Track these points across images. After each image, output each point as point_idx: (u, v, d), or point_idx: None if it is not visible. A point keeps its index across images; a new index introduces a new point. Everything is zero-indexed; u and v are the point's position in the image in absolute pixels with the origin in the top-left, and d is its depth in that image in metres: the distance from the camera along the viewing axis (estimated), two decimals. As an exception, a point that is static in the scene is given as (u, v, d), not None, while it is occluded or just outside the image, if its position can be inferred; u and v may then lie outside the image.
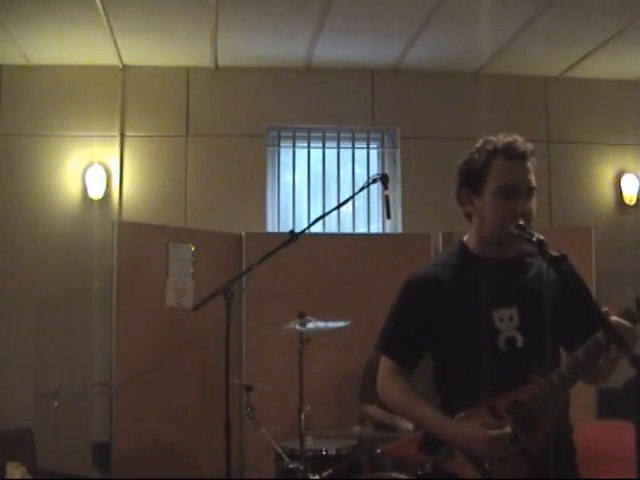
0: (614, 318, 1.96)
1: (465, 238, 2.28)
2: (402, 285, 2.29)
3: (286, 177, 5.93)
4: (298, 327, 3.93)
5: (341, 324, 4.08)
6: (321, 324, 3.99)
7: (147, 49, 5.42)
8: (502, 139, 2.16)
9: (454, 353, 2.19)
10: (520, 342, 2.13)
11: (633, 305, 1.95)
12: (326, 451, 3.98)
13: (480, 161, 2.16)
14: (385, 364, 2.30)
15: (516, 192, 2.12)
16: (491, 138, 2.18)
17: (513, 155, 2.13)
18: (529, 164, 2.15)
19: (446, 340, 2.20)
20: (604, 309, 1.96)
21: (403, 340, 2.27)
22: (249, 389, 4.24)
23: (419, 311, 2.24)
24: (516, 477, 2.03)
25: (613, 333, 1.88)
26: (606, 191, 6.00)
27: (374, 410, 4.21)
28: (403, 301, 2.28)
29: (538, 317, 1.99)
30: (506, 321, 2.14)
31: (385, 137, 6.04)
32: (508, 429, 2.02)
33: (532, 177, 2.15)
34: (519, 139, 2.17)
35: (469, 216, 2.25)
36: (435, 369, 2.28)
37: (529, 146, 2.17)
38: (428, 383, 2.32)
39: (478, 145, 2.20)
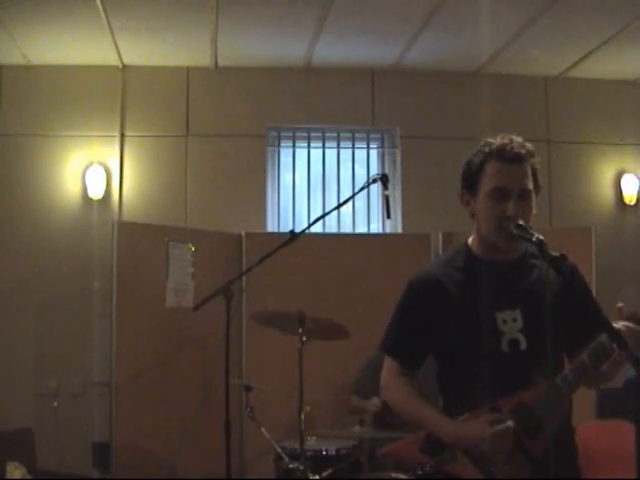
0: (622, 323, 1.96)
1: (469, 240, 2.29)
2: (405, 286, 2.30)
3: (286, 177, 5.93)
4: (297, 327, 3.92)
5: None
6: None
7: (147, 49, 5.42)
8: (498, 141, 2.15)
9: (457, 355, 2.19)
10: (523, 344, 2.12)
11: None
12: (326, 451, 3.97)
13: (476, 162, 2.17)
14: (388, 365, 2.30)
15: (508, 195, 2.11)
16: (490, 140, 2.18)
17: (506, 157, 2.12)
18: (525, 166, 2.14)
19: (449, 342, 2.20)
20: (619, 305, 1.96)
21: (406, 341, 2.27)
22: (249, 389, 4.23)
23: (422, 312, 2.24)
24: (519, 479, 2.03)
25: (615, 334, 1.88)
26: (606, 191, 6.00)
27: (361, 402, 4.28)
28: (406, 302, 2.29)
29: (542, 319, 1.98)
30: (509, 323, 2.14)
31: (385, 137, 6.04)
32: (510, 423, 2.01)
33: (527, 180, 2.14)
34: (516, 141, 2.15)
35: (473, 216, 2.25)
36: (438, 371, 2.28)
37: (527, 147, 2.15)
38: (432, 385, 2.32)
39: (478, 146, 2.20)
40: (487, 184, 2.14)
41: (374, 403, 4.06)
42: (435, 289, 2.21)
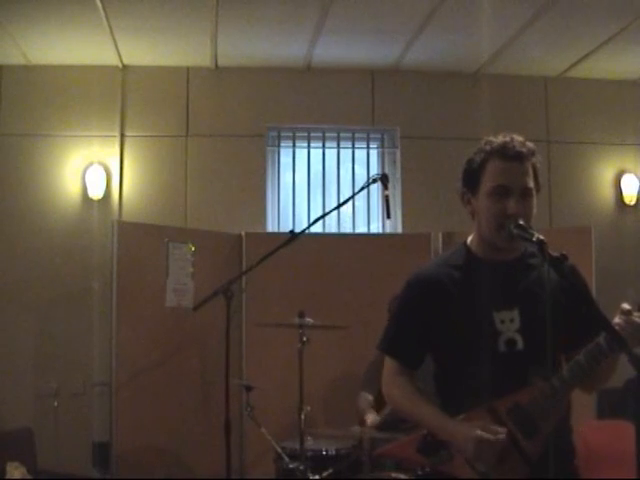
0: (616, 320, 1.95)
1: (469, 239, 2.28)
2: (404, 285, 2.29)
3: (286, 177, 5.93)
4: (297, 326, 3.92)
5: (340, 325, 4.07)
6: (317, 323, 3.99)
7: (147, 49, 5.42)
8: (500, 139, 2.15)
9: (454, 354, 2.19)
10: (520, 344, 2.12)
11: None
12: (326, 451, 3.97)
13: (477, 161, 2.17)
14: (388, 364, 2.30)
15: (508, 193, 2.11)
16: (491, 138, 2.18)
17: (507, 155, 2.12)
18: (526, 165, 2.14)
19: (446, 341, 2.20)
20: (624, 306, 1.95)
21: (405, 340, 2.27)
22: (249, 389, 4.24)
23: (420, 310, 2.23)
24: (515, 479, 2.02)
25: (615, 335, 1.88)
26: (606, 191, 6.00)
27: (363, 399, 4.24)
28: (404, 301, 2.28)
29: (539, 319, 1.99)
30: (507, 323, 2.13)
31: (385, 137, 6.04)
32: (502, 436, 2.00)
33: (528, 178, 2.13)
34: (518, 139, 2.15)
35: (473, 215, 2.25)
36: (435, 370, 2.27)
37: (528, 146, 2.15)
38: (431, 385, 2.31)
39: (480, 145, 2.20)
40: (488, 182, 2.14)
41: (373, 420, 4.04)
42: (433, 288, 2.21)
